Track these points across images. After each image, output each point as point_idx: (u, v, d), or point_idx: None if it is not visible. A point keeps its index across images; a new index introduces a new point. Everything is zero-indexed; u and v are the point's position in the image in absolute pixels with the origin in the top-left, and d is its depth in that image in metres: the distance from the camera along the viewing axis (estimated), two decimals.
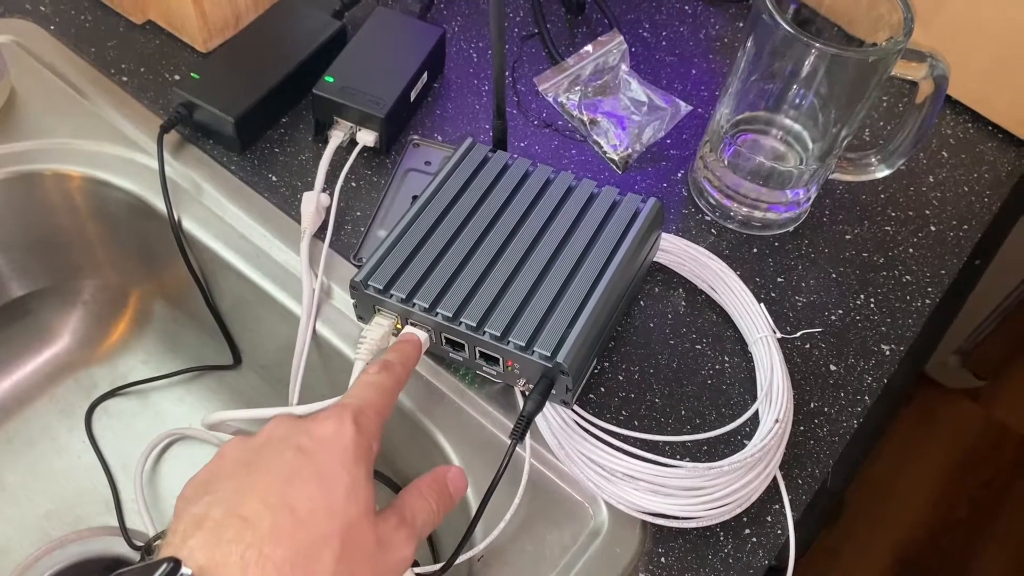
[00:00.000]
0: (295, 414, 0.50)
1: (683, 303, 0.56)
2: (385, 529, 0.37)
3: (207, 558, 0.32)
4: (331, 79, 0.59)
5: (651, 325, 0.55)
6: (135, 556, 0.60)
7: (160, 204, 0.57)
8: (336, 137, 0.59)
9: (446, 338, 0.49)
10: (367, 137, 0.59)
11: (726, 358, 0.54)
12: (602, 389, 0.52)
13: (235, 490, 0.35)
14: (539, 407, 0.46)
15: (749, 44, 0.53)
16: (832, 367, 0.55)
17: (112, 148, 0.59)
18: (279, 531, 0.33)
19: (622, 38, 0.66)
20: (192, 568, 0.32)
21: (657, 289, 0.57)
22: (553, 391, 0.47)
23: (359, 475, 0.36)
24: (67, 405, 0.66)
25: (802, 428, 0.52)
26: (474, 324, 0.47)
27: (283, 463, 0.36)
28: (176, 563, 0.32)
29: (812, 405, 0.53)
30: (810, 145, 0.58)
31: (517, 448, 0.45)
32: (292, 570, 0.33)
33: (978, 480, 1.42)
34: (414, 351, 0.46)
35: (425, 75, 0.62)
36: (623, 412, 0.52)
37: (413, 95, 0.62)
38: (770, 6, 0.51)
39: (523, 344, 0.46)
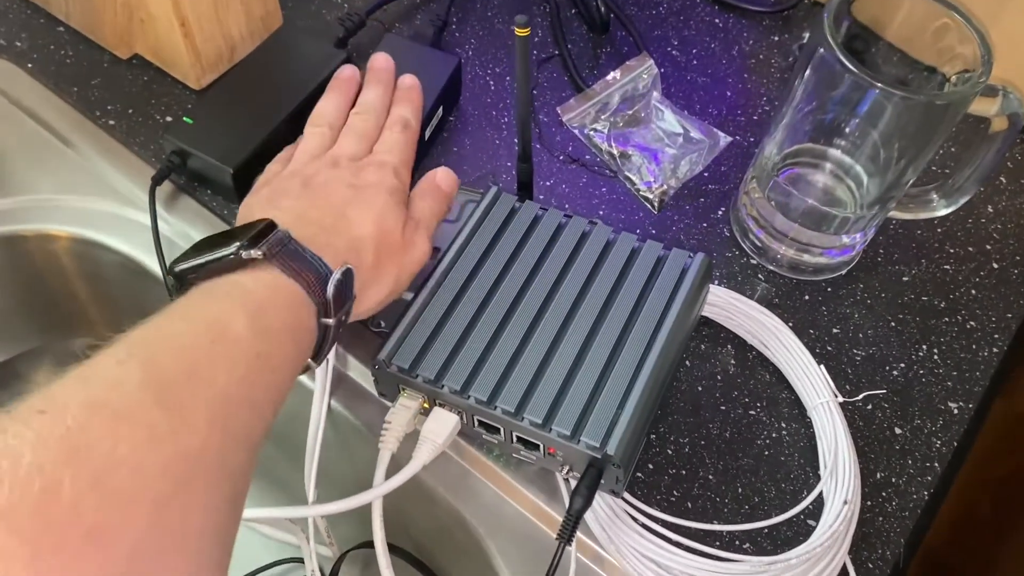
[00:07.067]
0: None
1: (732, 361, 0.51)
2: (408, 233, 0.46)
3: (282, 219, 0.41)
4: None
5: (699, 389, 0.50)
6: None
7: (154, 264, 0.52)
8: None
9: (479, 420, 0.44)
10: None
11: (783, 424, 0.50)
12: (650, 466, 0.48)
13: (298, 200, 0.45)
14: (588, 503, 0.42)
15: (807, 74, 0.48)
16: (898, 430, 0.50)
17: (100, 203, 0.54)
18: (333, 227, 0.43)
19: (652, 62, 0.60)
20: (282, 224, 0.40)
21: (704, 346, 0.52)
22: (601, 480, 0.42)
23: (395, 207, 0.46)
24: None
25: (869, 503, 0.48)
26: (512, 409, 0.42)
27: (338, 194, 0.45)
28: (271, 223, 0.40)
29: (879, 476, 0.48)
30: (864, 179, 0.53)
31: None
32: (342, 254, 0.41)
33: (1000, 475, 1.38)
34: (419, 97, 0.54)
35: (440, 110, 0.57)
36: (674, 492, 0.47)
37: (428, 132, 0.56)
38: (830, 39, 0.45)
39: (568, 433, 0.41)
